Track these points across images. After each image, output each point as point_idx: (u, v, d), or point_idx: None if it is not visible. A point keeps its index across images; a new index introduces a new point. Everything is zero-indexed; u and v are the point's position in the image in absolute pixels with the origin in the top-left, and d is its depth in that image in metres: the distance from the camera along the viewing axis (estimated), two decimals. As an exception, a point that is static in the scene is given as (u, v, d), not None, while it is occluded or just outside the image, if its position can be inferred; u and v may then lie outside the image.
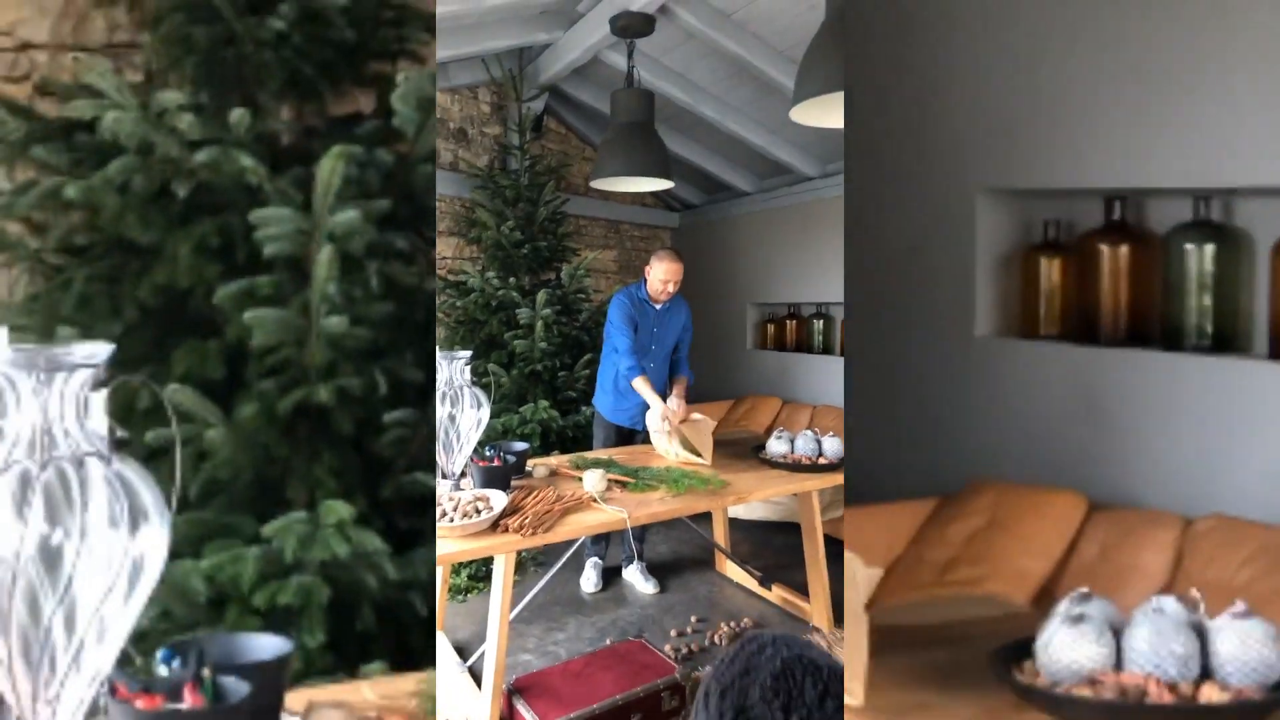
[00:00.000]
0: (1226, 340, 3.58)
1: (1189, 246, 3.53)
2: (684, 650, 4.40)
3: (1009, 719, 1.85)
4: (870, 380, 4.91)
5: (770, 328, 9.28)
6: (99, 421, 1.49)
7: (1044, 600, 3.68)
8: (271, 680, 1.90)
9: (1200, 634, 1.88)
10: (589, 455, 4.83)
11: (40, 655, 1.42)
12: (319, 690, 2.21)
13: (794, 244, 8.50)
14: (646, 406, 5.27)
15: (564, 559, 4.44)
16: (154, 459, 2.81)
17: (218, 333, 3.25)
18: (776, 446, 4.59)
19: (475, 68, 7.63)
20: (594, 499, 3.66)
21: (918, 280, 4.68)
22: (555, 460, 4.62)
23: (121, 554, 1.44)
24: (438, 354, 3.58)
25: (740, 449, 4.98)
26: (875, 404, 4.83)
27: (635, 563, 5.60)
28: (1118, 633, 1.92)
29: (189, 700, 1.71)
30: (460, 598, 5.24)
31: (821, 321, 8.58)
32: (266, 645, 2.03)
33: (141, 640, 1.64)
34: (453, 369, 3.56)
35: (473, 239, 7.75)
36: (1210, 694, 1.78)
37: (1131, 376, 3.75)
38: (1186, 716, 1.75)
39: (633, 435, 5.48)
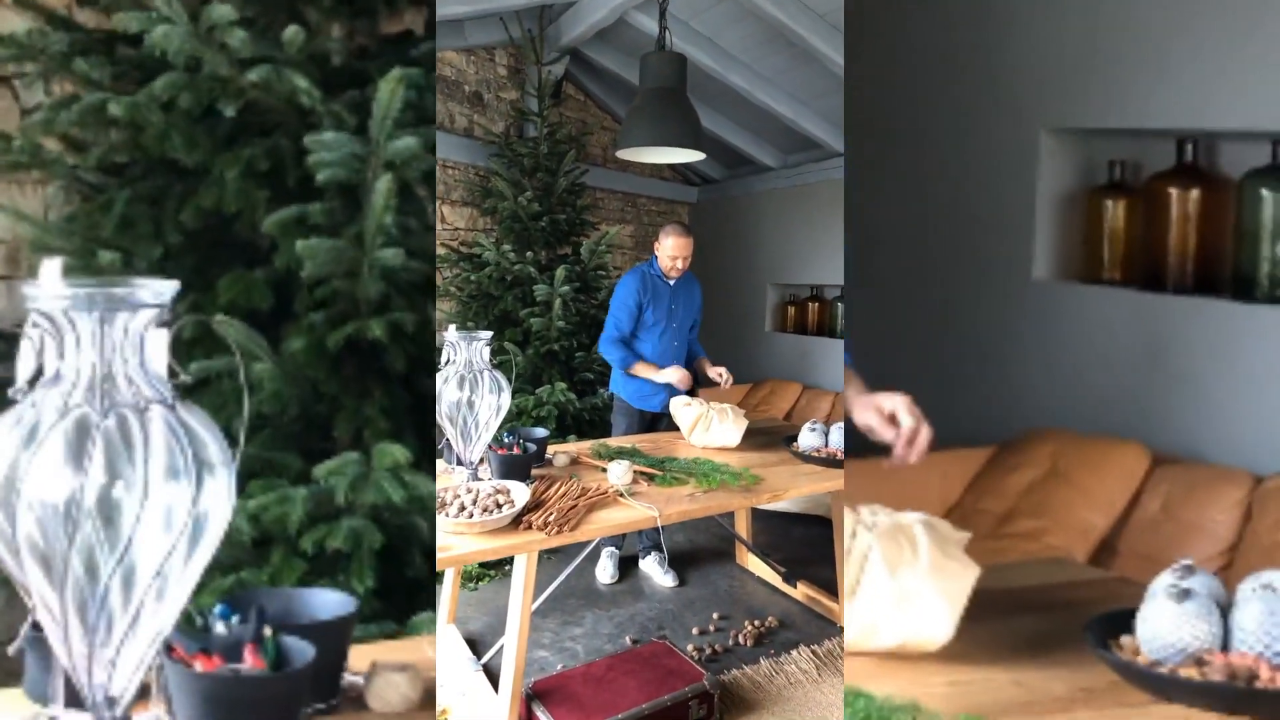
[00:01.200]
0: (1300, 291, 3.45)
1: (1265, 192, 3.40)
2: (708, 651, 4.26)
3: (1109, 698, 1.72)
4: (920, 323, 4.80)
5: (791, 310, 9.09)
6: (161, 364, 1.37)
7: (1104, 556, 3.61)
8: (334, 640, 1.80)
9: (1312, 613, 1.74)
10: (611, 443, 4.61)
11: (97, 616, 1.32)
12: (380, 648, 2.11)
13: (819, 223, 8.30)
14: (670, 387, 5.18)
15: (585, 553, 4.30)
16: (194, 393, 2.69)
17: (265, 261, 3.14)
18: (810, 439, 4.41)
19: (493, 26, 7.35)
20: (620, 493, 3.53)
21: (974, 221, 4.56)
22: (576, 448, 4.48)
23: (185, 509, 1.33)
24: (454, 334, 3.42)
25: (770, 440, 4.80)
26: (925, 348, 4.72)
27: (654, 553, 5.48)
28: (1223, 609, 1.78)
29: (250, 662, 1.61)
30: (471, 586, 5.12)
31: (845, 305, 8.22)
32: (329, 602, 1.93)
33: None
34: (472, 350, 3.38)
35: (487, 210, 7.51)
36: (1327, 679, 1.66)
37: (1199, 326, 3.62)
38: (1301, 702, 1.64)
39: (656, 422, 5.33)
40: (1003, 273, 4.43)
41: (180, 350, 2.59)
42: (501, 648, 3.46)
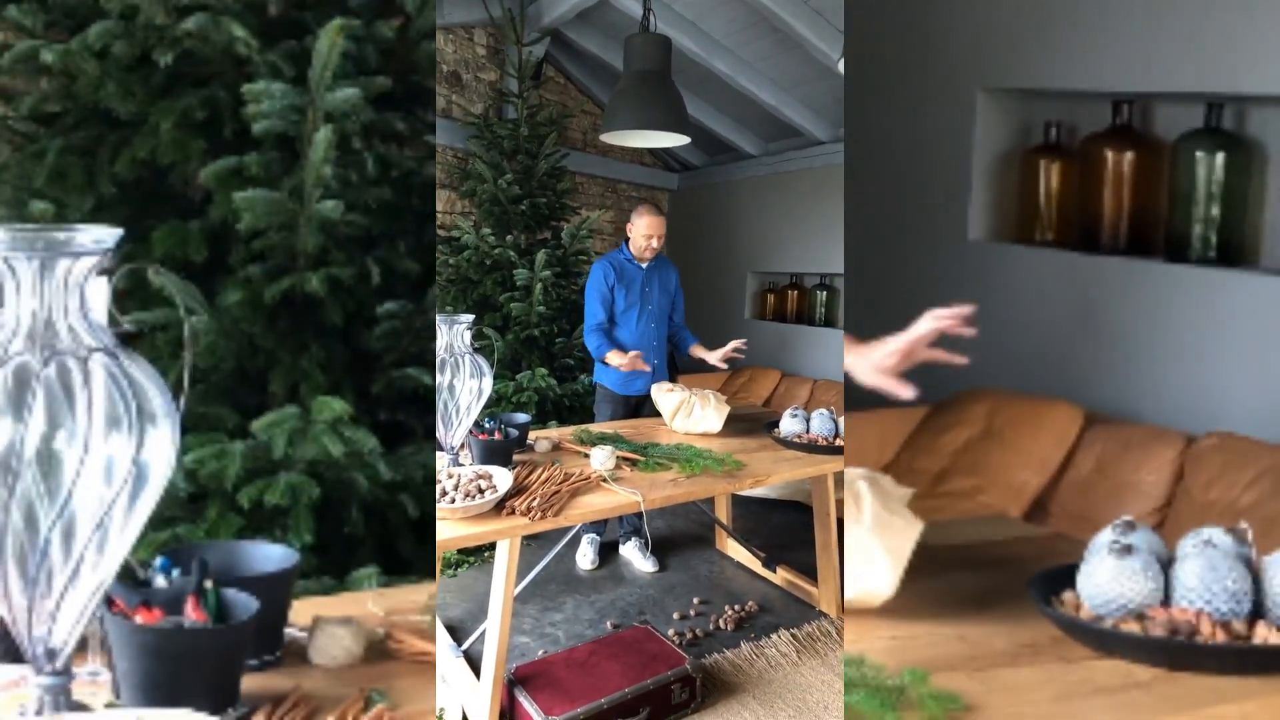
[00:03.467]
0: (1233, 253, 3.51)
1: (1199, 154, 3.45)
2: (689, 635, 4.26)
3: (1051, 653, 1.74)
4: (865, 281, 4.82)
5: (770, 297, 9.02)
6: (102, 313, 1.35)
7: (1037, 514, 3.65)
8: (277, 593, 1.78)
9: (1250, 569, 1.77)
10: (594, 429, 4.65)
11: (37, 568, 1.30)
12: (321, 602, 2.10)
13: (800, 211, 8.23)
14: (653, 372, 5.17)
15: (566, 538, 4.27)
16: (127, 345, 2.67)
17: (201, 213, 3.09)
18: (791, 425, 4.39)
19: (472, 5, 7.20)
20: (603, 479, 3.52)
21: (913, 182, 4.58)
22: (558, 434, 4.45)
23: (127, 460, 1.31)
24: (436, 317, 3.38)
25: (752, 426, 4.79)
26: (870, 305, 4.75)
27: (634, 539, 5.48)
28: (1164, 565, 1.81)
29: (191, 615, 1.58)
30: (451, 572, 5.08)
31: (825, 293, 8.31)
32: (270, 555, 1.90)
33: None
34: (453, 334, 3.34)
35: (466, 192, 7.30)
36: (1266, 634, 1.68)
37: (1132, 287, 3.67)
38: (1241, 657, 1.66)
39: (639, 408, 5.30)
40: (938, 233, 4.46)
41: (114, 303, 2.56)
42: (482, 634, 3.46)
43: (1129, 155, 3.69)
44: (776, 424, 4.55)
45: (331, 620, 1.80)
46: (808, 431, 4.39)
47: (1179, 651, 1.67)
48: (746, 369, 8.40)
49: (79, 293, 1.31)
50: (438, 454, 3.59)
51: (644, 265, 5.17)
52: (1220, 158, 3.40)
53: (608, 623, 4.46)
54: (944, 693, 1.53)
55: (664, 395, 4.66)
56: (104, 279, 1.34)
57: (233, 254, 3.08)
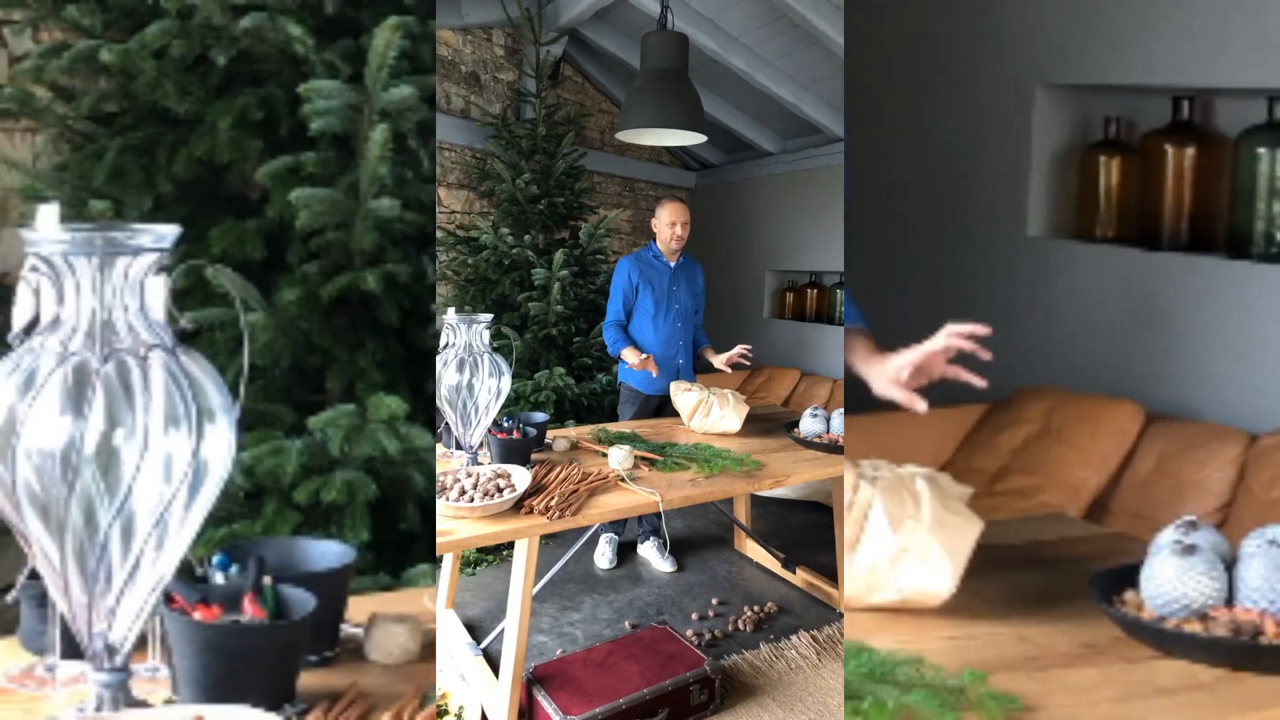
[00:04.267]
0: (1296, 248, 3.44)
1: (1261, 150, 3.39)
2: (707, 636, 4.23)
3: (1112, 653, 1.72)
4: (914, 281, 4.78)
5: (789, 296, 8.92)
6: (160, 311, 1.35)
7: (1097, 513, 3.61)
8: (333, 591, 1.79)
9: (1316, 570, 1.74)
10: (611, 428, 4.64)
11: (97, 564, 1.30)
12: (378, 599, 2.10)
13: (819, 208, 8.14)
14: (677, 372, 5.17)
15: (584, 538, 4.23)
16: (186, 343, 2.69)
17: (258, 212, 3.11)
18: (811, 425, 4.34)
19: (490, 5, 7.17)
20: (621, 478, 3.50)
21: (969, 178, 4.54)
22: (576, 432, 4.44)
23: (185, 457, 1.31)
24: (454, 316, 3.37)
25: (771, 426, 4.78)
26: (919, 305, 4.71)
27: (653, 539, 5.45)
28: (1227, 565, 1.78)
29: (249, 612, 1.59)
30: (469, 571, 5.03)
31: (845, 291, 7.82)
32: (328, 552, 1.91)
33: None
34: (471, 333, 3.33)
35: (485, 192, 7.40)
36: (1333, 636, 1.66)
37: (1194, 283, 3.62)
38: (1306, 658, 1.63)
39: (662, 408, 5.26)
40: (997, 230, 4.42)
41: (172, 302, 2.58)
42: (501, 633, 3.44)
43: (1190, 151, 3.64)
44: (796, 424, 4.49)
45: (388, 617, 1.81)
46: (828, 431, 4.33)
47: (1242, 652, 1.64)
48: (765, 368, 8.34)
49: (138, 291, 1.32)
50: (456, 453, 3.59)
51: (671, 264, 5.15)
52: (1284, 153, 3.35)
53: (626, 623, 4.44)
54: (1003, 693, 1.51)
55: (682, 395, 4.64)
56: (162, 277, 1.35)
57: (290, 252, 3.09)
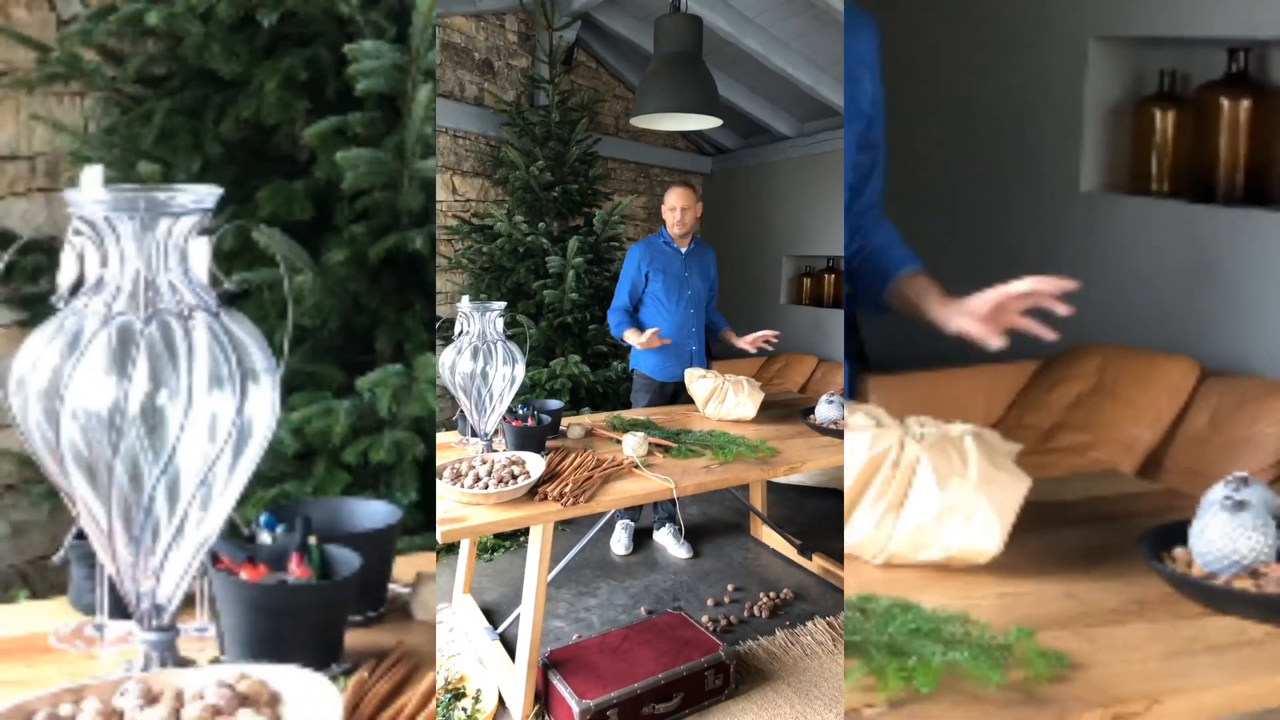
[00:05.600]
0: (1354, 202, 3.38)
1: (1320, 101, 3.32)
2: (723, 622, 4.24)
3: (1161, 610, 1.70)
4: (966, 235, 4.74)
5: (807, 282, 8.82)
6: (203, 272, 1.36)
7: (1150, 470, 3.58)
8: (379, 550, 1.79)
9: (1370, 526, 1.72)
10: (625, 415, 4.65)
11: (143, 524, 1.31)
12: (425, 559, 2.11)
13: (836, 192, 7.99)
14: (690, 359, 5.13)
15: (599, 524, 4.22)
16: (233, 306, 2.70)
17: (305, 173, 3.12)
18: (828, 411, 4.27)
19: None
20: (636, 465, 3.50)
21: (1021, 132, 4.49)
22: (590, 419, 4.45)
23: (229, 417, 1.32)
24: (467, 304, 3.36)
25: (787, 412, 4.73)
26: (971, 260, 4.67)
27: (669, 525, 5.44)
28: (1279, 521, 1.76)
29: (295, 571, 1.60)
30: (487, 556, 5.08)
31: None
32: (374, 512, 1.92)
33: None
34: (485, 321, 3.33)
35: (499, 180, 7.29)
36: (1386, 593, 1.63)
37: (1250, 238, 3.57)
38: (1359, 616, 1.61)
39: (677, 395, 5.23)
40: (1050, 185, 4.37)
41: (221, 263, 2.59)
42: (517, 618, 3.46)
43: (1245, 103, 3.58)
44: (812, 410, 4.44)
45: (434, 576, 1.81)
46: (844, 417, 4.31)
47: (1293, 610, 1.62)
48: (782, 354, 8.23)
49: (180, 252, 1.32)
50: (471, 440, 3.60)
51: (683, 250, 5.12)
52: (1343, 104, 3.29)
53: (642, 608, 4.44)
54: (1051, 651, 1.50)
55: (697, 381, 4.62)
56: (205, 238, 1.35)
57: (337, 213, 3.10)
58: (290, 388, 2.93)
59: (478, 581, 4.67)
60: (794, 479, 6.29)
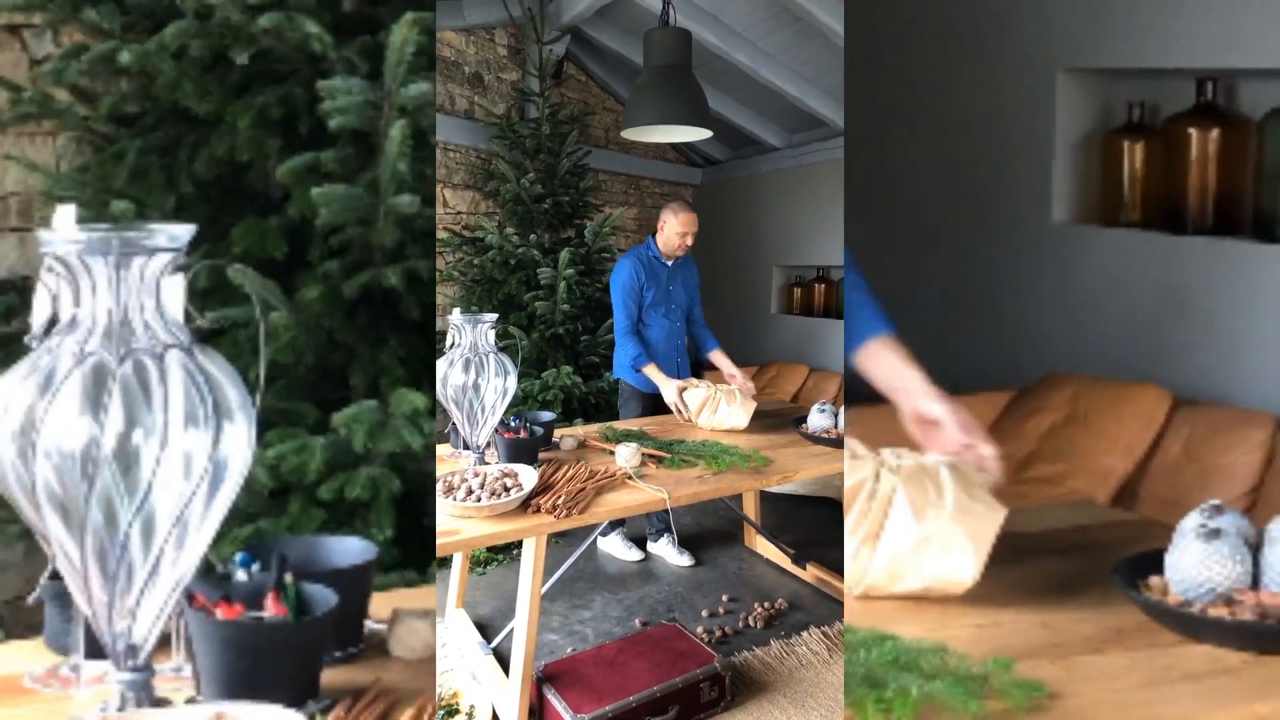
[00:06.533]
0: (1323, 232, 3.41)
1: (1286, 131, 3.36)
2: (718, 633, 4.26)
3: (1137, 639, 1.71)
4: (938, 268, 4.77)
5: (797, 291, 8.90)
6: (178, 310, 1.36)
7: (1125, 499, 3.59)
8: (356, 587, 1.79)
9: (1343, 553, 1.73)
10: (618, 426, 4.62)
11: (117, 564, 1.31)
12: (403, 595, 2.11)
13: (825, 203, 8.12)
14: (676, 369, 5.15)
15: (592, 536, 4.20)
16: (207, 344, 2.70)
17: (279, 210, 3.12)
18: (819, 420, 4.29)
19: (492, 5, 7.13)
20: (629, 476, 3.50)
21: (992, 164, 4.52)
22: (583, 431, 4.45)
23: (204, 456, 1.32)
24: (459, 317, 3.36)
25: (779, 422, 4.73)
26: (944, 293, 4.70)
27: (665, 536, 5.43)
28: (1253, 549, 1.77)
29: (271, 609, 1.60)
30: (479, 570, 5.07)
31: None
32: (349, 549, 1.91)
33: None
34: (477, 333, 3.33)
35: (490, 193, 7.37)
36: (1359, 620, 1.64)
37: (1219, 267, 3.60)
38: (1334, 643, 1.62)
39: (663, 404, 5.22)
40: (1021, 216, 4.40)
41: (195, 300, 2.58)
42: (511, 631, 3.45)
43: (1214, 134, 3.62)
44: (804, 419, 4.45)
45: (411, 613, 1.81)
46: (836, 427, 4.30)
47: (1268, 636, 1.63)
48: (774, 364, 8.31)
49: (154, 290, 1.32)
50: (464, 453, 3.59)
51: (669, 263, 5.13)
52: (1310, 135, 3.33)
53: (636, 620, 4.45)
54: (1028, 680, 1.50)
55: (690, 392, 4.63)
56: (179, 276, 1.35)
57: (311, 250, 3.10)
58: (265, 425, 2.91)
59: (470, 595, 4.66)
60: (787, 488, 6.33)
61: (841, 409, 4.37)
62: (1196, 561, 1.74)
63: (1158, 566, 1.85)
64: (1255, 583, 1.75)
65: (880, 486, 1.90)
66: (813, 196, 8.28)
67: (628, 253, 5.21)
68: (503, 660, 3.75)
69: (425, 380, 3.15)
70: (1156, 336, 3.90)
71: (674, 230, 5.00)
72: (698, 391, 4.58)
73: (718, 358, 5.23)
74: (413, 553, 3.00)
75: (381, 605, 1.93)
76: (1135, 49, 3.78)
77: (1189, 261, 3.70)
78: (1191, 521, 1.82)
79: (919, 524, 1.84)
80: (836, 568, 4.88)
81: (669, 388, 4.75)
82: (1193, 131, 3.65)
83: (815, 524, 6.12)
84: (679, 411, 4.68)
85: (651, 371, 4.86)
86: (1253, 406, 3.55)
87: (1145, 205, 3.97)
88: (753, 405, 4.50)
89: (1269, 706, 1.48)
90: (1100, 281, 4.06)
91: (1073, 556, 2.17)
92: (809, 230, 8.36)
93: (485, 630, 4.26)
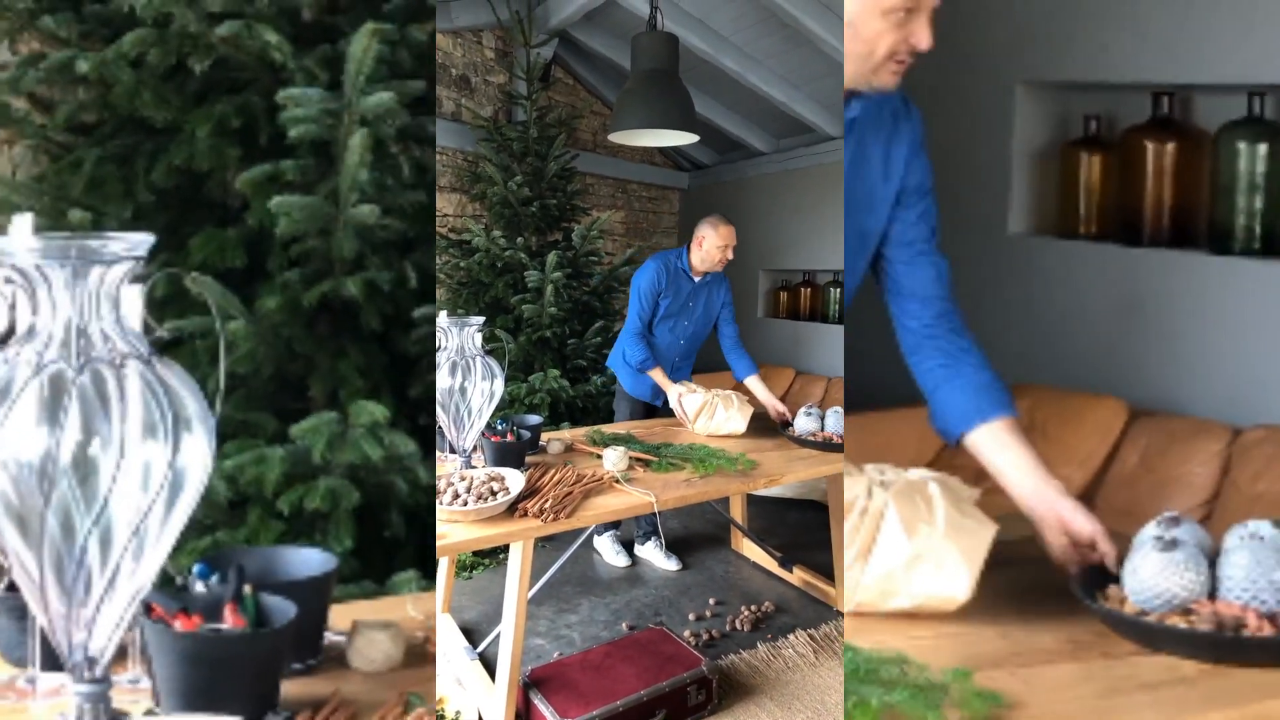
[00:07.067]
0: (1277, 243, 3.45)
1: (1241, 145, 3.40)
2: (705, 636, 4.27)
3: (1095, 649, 1.72)
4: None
5: (783, 295, 8.94)
6: (136, 320, 1.35)
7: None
8: (315, 598, 1.78)
9: (1299, 563, 1.74)
10: (606, 430, 4.64)
11: (75, 575, 1.29)
12: (363, 606, 2.10)
13: (811, 207, 8.15)
14: (673, 375, 5.11)
15: (580, 540, 4.20)
16: (165, 354, 2.67)
17: (238, 219, 3.11)
18: (805, 424, 4.38)
19: (480, 8, 7.16)
20: (616, 479, 3.50)
21: (949, 176, 4.54)
22: (570, 435, 4.46)
23: (163, 467, 1.31)
24: (445, 320, 3.35)
25: (765, 425, 4.79)
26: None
27: (653, 539, 5.43)
28: (1210, 559, 1.78)
29: (230, 621, 1.59)
30: (466, 575, 5.07)
31: (838, 290, 8.19)
32: (309, 560, 1.91)
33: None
34: (463, 336, 3.32)
35: (477, 195, 7.35)
36: (1315, 629, 1.66)
37: (1175, 279, 3.63)
38: (1288, 652, 1.64)
39: (655, 409, 5.27)
40: (978, 228, 4.42)
41: (153, 310, 2.57)
42: (497, 636, 3.44)
43: (1170, 147, 3.65)
44: (791, 423, 4.52)
45: (370, 624, 1.80)
46: (822, 430, 4.34)
47: (1225, 646, 1.65)
48: (760, 368, 8.31)
49: (113, 299, 1.31)
50: (450, 456, 3.58)
51: (696, 279, 5.09)
52: (1263, 148, 3.35)
53: (623, 624, 4.45)
54: (987, 691, 1.51)
55: (687, 397, 4.64)
56: (138, 286, 1.34)
57: (271, 260, 3.09)
58: (224, 435, 2.89)
59: (456, 600, 4.65)
60: (773, 491, 6.35)
61: (828, 412, 4.39)
62: (1154, 572, 1.76)
63: (1116, 576, 1.87)
64: (1212, 593, 1.77)
65: (871, 504, 1.91)
66: (799, 201, 8.31)
67: (655, 255, 5.16)
68: (489, 665, 3.74)
69: (385, 391, 3.13)
70: (1113, 348, 3.93)
71: (714, 245, 4.97)
72: (695, 397, 4.58)
73: (754, 384, 5.17)
74: (373, 564, 2.98)
75: (342, 618, 1.93)
76: (1093, 63, 3.81)
77: (1145, 273, 3.73)
78: (1149, 532, 1.84)
79: (910, 541, 1.85)
80: (823, 571, 4.92)
81: (671, 392, 4.78)
82: (1149, 144, 3.68)
83: (802, 527, 6.17)
84: (682, 416, 4.70)
85: (658, 375, 4.87)
86: (1209, 417, 3.58)
87: (1102, 217, 4.00)
88: (750, 411, 4.53)
89: (1225, 716, 1.50)
90: (1057, 293, 4.09)
91: (1030, 567, 2.18)
92: (795, 235, 8.39)
93: (471, 635, 4.25)
